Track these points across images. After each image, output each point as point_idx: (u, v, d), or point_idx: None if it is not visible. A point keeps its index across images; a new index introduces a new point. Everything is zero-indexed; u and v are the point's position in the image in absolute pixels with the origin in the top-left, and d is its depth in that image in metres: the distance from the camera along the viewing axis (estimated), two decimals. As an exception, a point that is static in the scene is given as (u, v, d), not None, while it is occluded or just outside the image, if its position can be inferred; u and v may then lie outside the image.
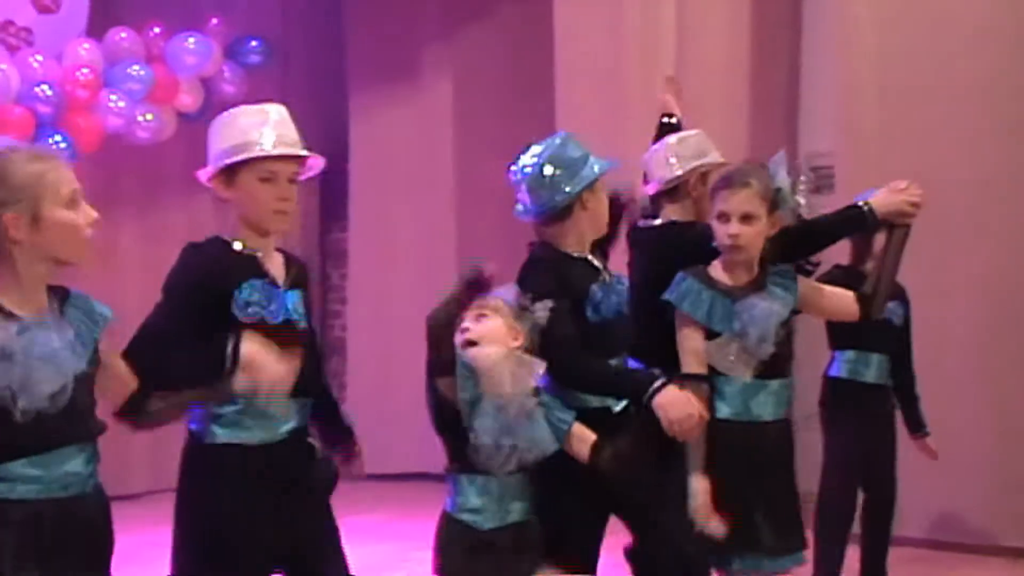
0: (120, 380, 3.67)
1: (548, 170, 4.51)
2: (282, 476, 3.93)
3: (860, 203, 4.67)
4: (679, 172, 4.90)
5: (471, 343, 4.08)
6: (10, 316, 3.42)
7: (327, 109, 9.01)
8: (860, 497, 5.70)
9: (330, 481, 4.23)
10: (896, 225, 4.68)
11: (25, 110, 6.86)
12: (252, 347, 3.78)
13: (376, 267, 8.95)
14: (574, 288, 4.37)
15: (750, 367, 4.42)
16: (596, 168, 4.48)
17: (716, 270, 4.48)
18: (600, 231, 4.63)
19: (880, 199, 4.68)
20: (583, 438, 4.11)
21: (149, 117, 7.40)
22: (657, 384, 4.24)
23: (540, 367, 4.08)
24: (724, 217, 4.42)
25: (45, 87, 6.95)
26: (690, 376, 4.40)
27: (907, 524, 6.32)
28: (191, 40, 7.77)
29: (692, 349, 4.42)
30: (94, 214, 3.45)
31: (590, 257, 4.53)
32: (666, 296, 4.46)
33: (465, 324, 4.14)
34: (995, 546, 6.55)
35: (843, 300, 4.72)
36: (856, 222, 4.76)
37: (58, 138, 6.94)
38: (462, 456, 4.06)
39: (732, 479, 4.40)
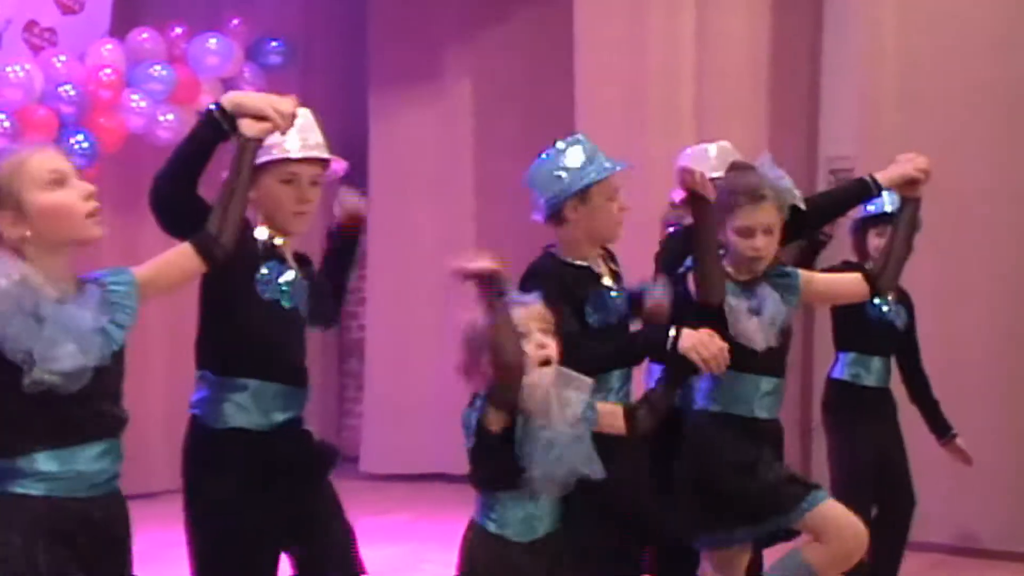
0: (178, 257, 3.61)
1: (542, 175, 4.58)
2: (280, 463, 3.94)
3: (867, 176, 4.72)
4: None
5: (547, 362, 3.97)
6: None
7: (347, 110, 8.98)
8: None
9: (328, 459, 4.21)
10: (907, 199, 4.67)
11: (48, 110, 6.88)
12: (231, 98, 3.75)
13: (394, 268, 8.96)
14: (573, 295, 4.40)
15: (768, 339, 4.48)
16: (584, 178, 4.50)
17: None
18: (600, 240, 4.64)
19: (887, 171, 4.71)
20: (612, 412, 4.08)
21: (170, 117, 7.40)
22: (673, 332, 4.27)
23: (587, 386, 4.01)
24: (748, 232, 4.46)
25: (68, 87, 6.97)
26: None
27: (929, 530, 6.30)
28: (212, 41, 7.78)
29: None
30: (88, 187, 3.42)
31: (592, 264, 4.55)
32: (684, 268, 4.52)
33: (542, 339, 4.01)
34: (1019, 552, 6.52)
35: (849, 282, 4.78)
36: (861, 191, 4.79)
37: (80, 138, 6.97)
38: (510, 483, 3.97)
39: (728, 463, 4.45)
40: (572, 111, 7.78)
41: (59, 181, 3.41)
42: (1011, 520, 6.57)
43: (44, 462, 3.34)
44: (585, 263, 4.51)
